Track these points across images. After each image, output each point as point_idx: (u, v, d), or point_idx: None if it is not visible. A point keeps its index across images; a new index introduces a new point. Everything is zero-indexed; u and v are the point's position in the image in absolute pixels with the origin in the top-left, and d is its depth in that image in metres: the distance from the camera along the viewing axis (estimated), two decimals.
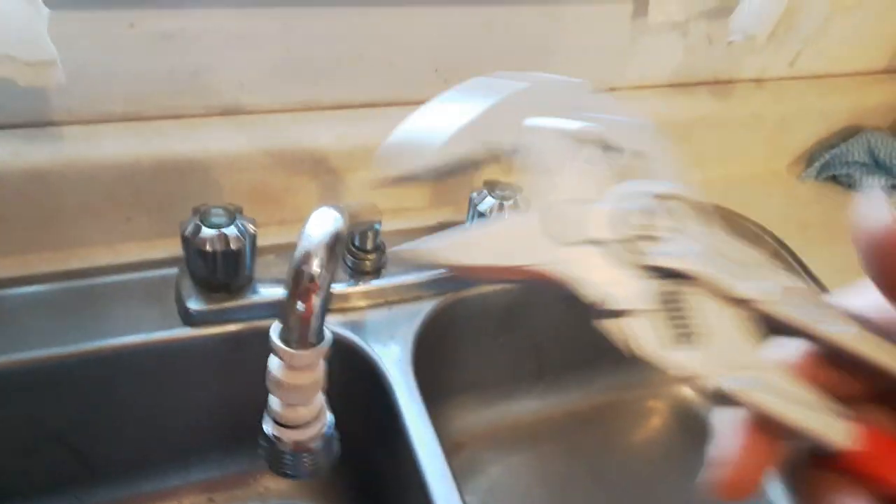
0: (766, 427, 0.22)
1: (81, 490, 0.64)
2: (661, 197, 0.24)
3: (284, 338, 0.39)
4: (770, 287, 0.23)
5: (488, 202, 0.63)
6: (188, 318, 0.57)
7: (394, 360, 0.58)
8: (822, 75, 0.88)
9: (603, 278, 0.22)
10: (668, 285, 0.23)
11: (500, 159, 0.25)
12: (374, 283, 0.63)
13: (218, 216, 0.53)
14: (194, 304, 0.57)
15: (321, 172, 0.65)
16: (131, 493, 0.66)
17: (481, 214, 0.63)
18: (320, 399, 0.43)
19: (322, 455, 0.44)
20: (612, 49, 0.75)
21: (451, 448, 0.76)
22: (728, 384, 0.22)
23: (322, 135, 0.64)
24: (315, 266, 0.38)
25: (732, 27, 0.71)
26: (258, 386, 0.42)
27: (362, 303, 0.63)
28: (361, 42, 0.63)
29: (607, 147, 0.25)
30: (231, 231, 0.53)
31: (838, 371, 0.23)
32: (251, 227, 0.54)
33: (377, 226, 0.60)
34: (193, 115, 0.61)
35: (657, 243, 0.23)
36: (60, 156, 0.55)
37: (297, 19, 0.59)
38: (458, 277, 0.62)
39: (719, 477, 0.22)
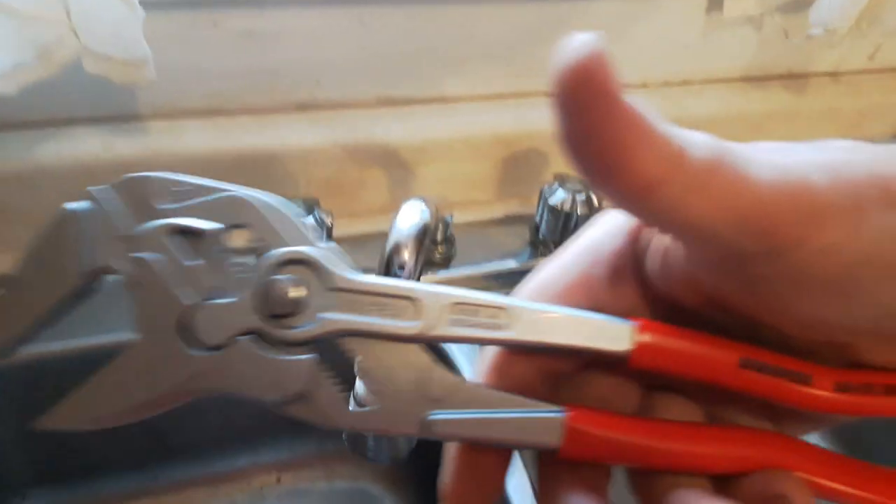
0: (482, 450, 0.22)
1: (158, 467, 0.67)
2: (284, 264, 0.22)
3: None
4: (431, 312, 0.22)
5: (559, 195, 0.63)
6: None
7: (463, 351, 0.59)
8: None
9: (255, 372, 0.21)
10: (325, 349, 0.22)
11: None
12: (443, 274, 0.64)
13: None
14: None
15: (392, 166, 0.66)
16: (204, 472, 0.69)
17: (552, 208, 0.63)
18: None
19: (403, 440, 0.46)
20: (685, 43, 0.74)
21: None
22: (431, 426, 0.21)
23: (394, 129, 0.65)
24: (405, 256, 0.40)
25: (812, 20, 0.70)
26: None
27: None
28: (434, 38, 0.64)
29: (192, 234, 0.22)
30: (309, 221, 0.54)
31: (537, 357, 0.23)
32: (328, 220, 0.55)
33: (448, 218, 0.61)
34: (271, 111, 0.62)
35: (296, 317, 0.22)
36: (146, 149, 0.58)
37: (371, 16, 0.60)
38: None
39: None
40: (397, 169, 0.66)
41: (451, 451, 0.22)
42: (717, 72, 0.78)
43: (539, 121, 0.69)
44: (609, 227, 0.24)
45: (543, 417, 0.21)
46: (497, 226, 0.71)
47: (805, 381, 0.21)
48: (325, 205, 0.58)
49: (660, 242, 0.22)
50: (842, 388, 0.21)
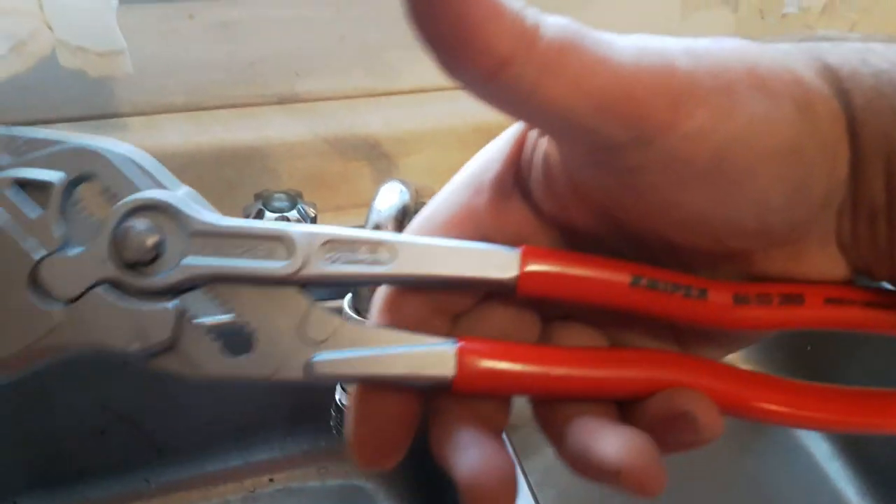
0: (383, 392, 0.21)
1: (149, 470, 0.66)
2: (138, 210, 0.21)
3: (356, 307, 0.40)
4: (304, 251, 0.20)
5: None
6: None
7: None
8: None
9: (115, 323, 0.20)
10: (192, 297, 0.21)
11: None
12: None
13: (280, 201, 0.55)
14: None
15: (374, 158, 0.66)
16: (195, 474, 0.68)
17: None
18: None
19: None
20: (663, 24, 0.74)
21: (507, 429, 0.76)
22: (314, 368, 0.20)
23: (375, 121, 0.65)
24: None
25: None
26: None
27: None
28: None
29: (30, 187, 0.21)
30: (293, 215, 0.54)
31: (429, 293, 0.22)
32: (311, 211, 0.55)
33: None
34: (251, 104, 0.62)
35: (155, 264, 0.20)
36: None
37: (349, 7, 0.60)
38: None
39: (360, 454, 0.21)
40: (379, 160, 0.66)
41: (352, 395, 0.21)
42: None
43: None
44: (488, 154, 0.23)
45: (435, 350, 0.20)
46: None
47: (701, 295, 0.20)
48: (309, 198, 0.58)
49: (541, 156, 0.21)
50: (739, 301, 0.20)
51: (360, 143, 0.64)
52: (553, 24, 0.17)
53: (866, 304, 0.21)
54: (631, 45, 0.18)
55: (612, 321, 0.23)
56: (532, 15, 0.17)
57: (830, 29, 0.82)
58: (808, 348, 0.70)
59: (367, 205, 0.68)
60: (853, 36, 0.21)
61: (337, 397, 0.45)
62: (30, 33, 0.44)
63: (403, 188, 0.41)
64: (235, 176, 0.61)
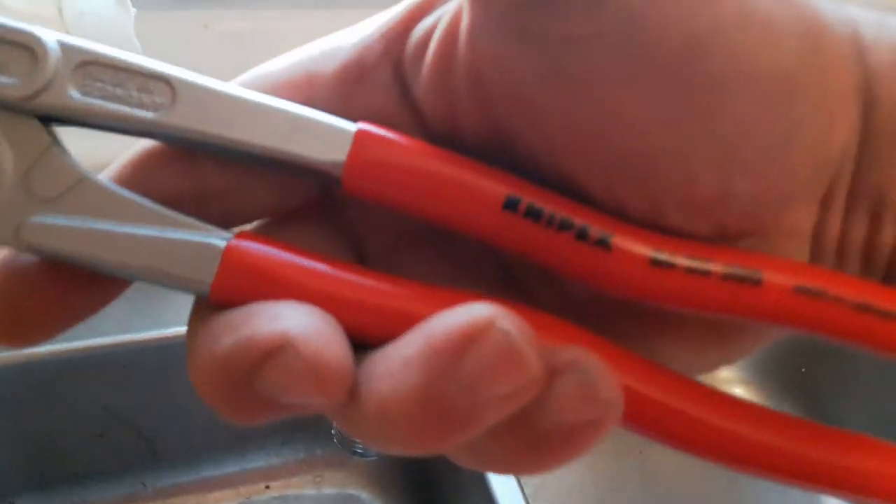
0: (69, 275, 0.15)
1: (146, 474, 0.66)
2: None
3: None
4: (51, 69, 0.15)
5: None
6: None
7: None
8: None
9: None
10: None
11: None
12: None
13: None
14: None
15: None
16: (192, 479, 0.68)
17: None
18: None
19: None
20: None
21: None
22: (24, 235, 0.14)
23: None
24: None
25: None
26: None
27: None
28: None
29: None
30: None
31: (200, 164, 0.16)
32: None
33: None
34: None
35: None
36: None
37: (362, 19, 0.61)
38: None
39: None
40: None
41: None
42: None
43: None
44: (360, 29, 0.17)
45: (195, 243, 0.15)
46: None
47: (601, 243, 0.14)
48: None
49: (437, 29, 0.16)
50: (659, 264, 0.14)
51: None
52: None
53: (859, 306, 0.14)
54: None
55: (468, 258, 0.17)
56: None
57: None
58: (803, 370, 0.67)
59: None
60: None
61: None
62: None
63: None
64: None
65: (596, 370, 0.12)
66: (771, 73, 0.13)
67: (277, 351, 0.12)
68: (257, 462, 0.70)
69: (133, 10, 0.46)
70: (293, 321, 0.13)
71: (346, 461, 0.65)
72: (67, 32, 0.46)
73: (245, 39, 0.58)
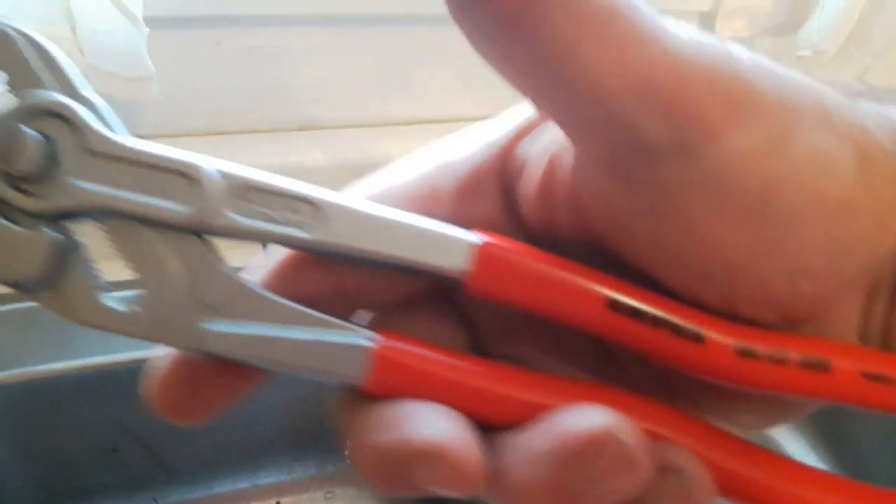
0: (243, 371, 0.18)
1: (158, 490, 0.66)
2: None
3: None
4: (211, 195, 0.17)
5: None
6: None
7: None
8: (894, 89, 0.87)
9: None
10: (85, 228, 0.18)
11: None
12: None
13: None
14: None
15: None
16: (203, 495, 0.68)
17: None
18: None
19: None
20: None
21: None
22: (207, 342, 0.17)
23: (394, 149, 0.65)
24: None
25: (801, 42, 0.71)
26: (327, 390, 0.44)
27: None
28: (435, 57, 0.65)
29: None
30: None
31: (337, 269, 0.18)
32: None
33: None
34: (272, 130, 0.63)
35: (42, 183, 0.17)
36: None
37: (371, 37, 0.62)
38: None
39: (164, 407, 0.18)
40: None
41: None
42: None
43: None
44: (472, 137, 0.20)
45: (345, 344, 0.17)
46: None
47: (694, 337, 0.17)
48: None
49: (543, 154, 0.18)
50: (744, 354, 0.17)
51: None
52: None
53: None
54: (688, 32, 0.15)
55: (575, 350, 0.20)
56: None
57: (844, 72, 0.83)
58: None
59: None
60: None
61: None
62: None
63: None
64: None
65: (694, 471, 0.16)
66: (833, 200, 0.16)
67: (429, 457, 0.15)
68: (269, 478, 0.70)
69: (146, 30, 0.47)
70: (439, 430, 0.16)
71: (357, 478, 0.65)
72: (80, 51, 0.47)
73: (257, 57, 0.59)
